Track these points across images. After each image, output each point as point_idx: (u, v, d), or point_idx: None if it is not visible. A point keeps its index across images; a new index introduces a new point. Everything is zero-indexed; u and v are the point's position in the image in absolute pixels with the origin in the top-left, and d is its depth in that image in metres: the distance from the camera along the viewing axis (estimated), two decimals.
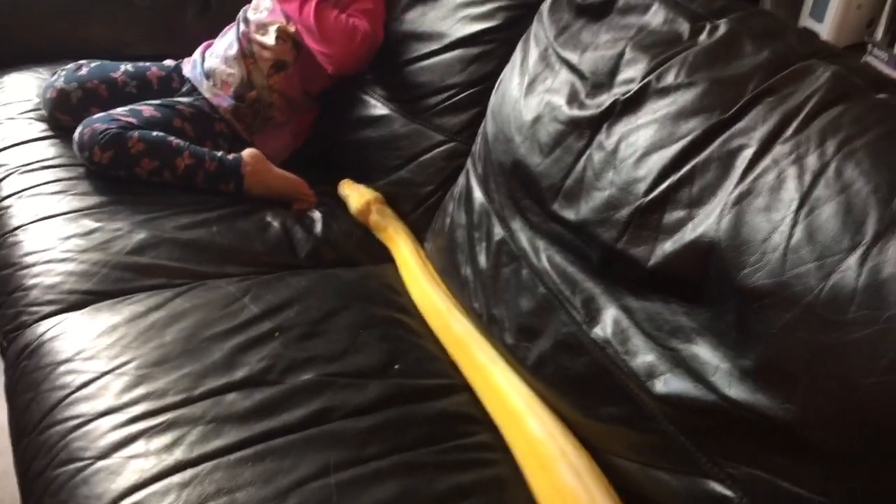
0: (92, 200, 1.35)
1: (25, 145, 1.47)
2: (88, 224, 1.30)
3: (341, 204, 1.51)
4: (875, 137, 0.83)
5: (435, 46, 1.38)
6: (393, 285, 1.34)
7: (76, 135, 1.39)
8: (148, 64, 1.61)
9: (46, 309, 1.18)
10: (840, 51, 0.99)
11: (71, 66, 1.54)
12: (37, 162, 1.43)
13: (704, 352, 0.89)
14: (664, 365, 0.93)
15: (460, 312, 1.25)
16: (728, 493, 0.85)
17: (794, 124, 0.89)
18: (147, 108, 1.45)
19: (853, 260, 0.77)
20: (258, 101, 1.53)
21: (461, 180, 1.34)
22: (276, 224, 1.40)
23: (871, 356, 0.73)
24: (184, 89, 1.57)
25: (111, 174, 1.39)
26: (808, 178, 0.84)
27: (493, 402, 1.12)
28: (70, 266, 1.23)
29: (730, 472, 0.85)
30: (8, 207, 1.35)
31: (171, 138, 1.41)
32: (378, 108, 1.47)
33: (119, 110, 1.43)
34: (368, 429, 1.04)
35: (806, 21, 3.23)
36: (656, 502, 0.93)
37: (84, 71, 1.52)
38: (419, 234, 1.41)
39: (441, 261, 1.33)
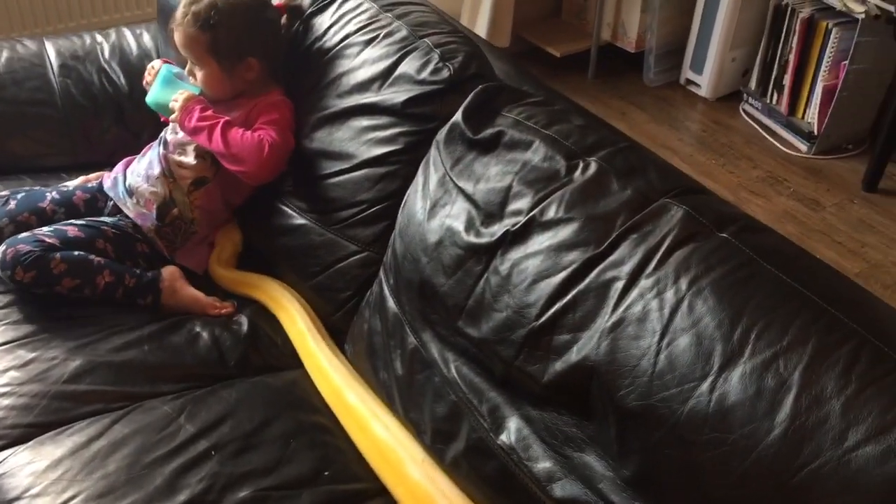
0: (25, 329, 1.43)
1: None
2: (24, 354, 1.37)
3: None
4: (718, 276, 0.99)
5: (345, 165, 1.50)
6: (317, 389, 1.45)
7: (0, 254, 1.46)
8: (72, 187, 1.69)
9: None
10: (691, 185, 1.16)
11: None
12: None
13: (593, 461, 1.03)
14: (560, 471, 1.07)
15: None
16: None
17: (654, 261, 1.04)
18: (71, 228, 1.54)
19: (705, 387, 0.93)
20: (180, 219, 1.62)
21: (375, 288, 1.46)
22: (204, 334, 1.49)
23: (721, 473, 0.89)
24: (108, 208, 1.65)
25: (32, 291, 1.47)
26: (667, 311, 1.00)
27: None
28: (10, 400, 1.31)
29: None
30: None
31: (92, 257, 1.50)
32: (296, 218, 1.58)
33: (44, 230, 1.52)
34: None
35: (687, 73, 3.50)
36: None
37: (12, 205, 1.60)
38: (340, 336, 1.52)
39: (361, 363, 1.45)
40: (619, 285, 1.06)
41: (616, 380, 1.01)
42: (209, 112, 1.57)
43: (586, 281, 1.09)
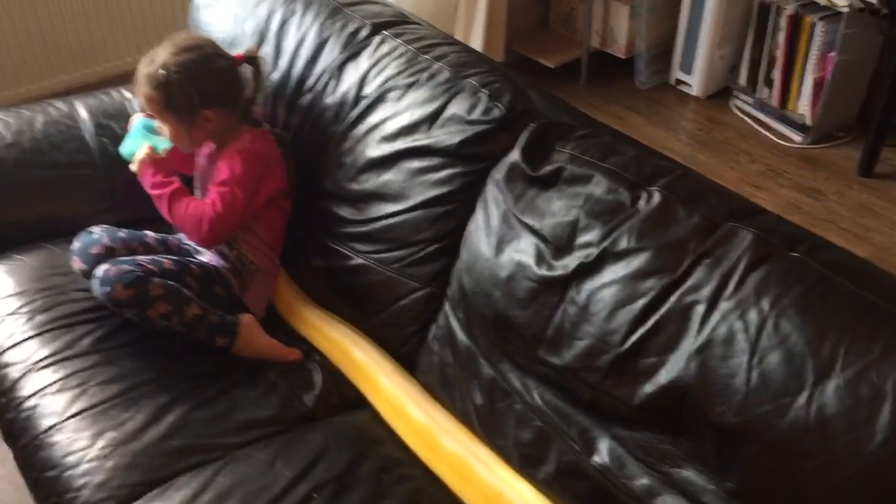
0: (113, 389, 1.47)
1: (33, 340, 1.57)
2: (118, 415, 1.43)
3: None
4: (798, 295, 1.07)
5: (400, 206, 1.56)
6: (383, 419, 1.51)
7: (100, 271, 1.54)
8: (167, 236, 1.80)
9: None
10: (749, 206, 1.24)
11: (103, 228, 1.71)
12: (51, 356, 1.53)
13: (693, 476, 1.11)
14: (660, 487, 1.14)
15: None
16: None
17: (732, 284, 1.12)
18: (167, 261, 1.63)
19: (802, 401, 1.01)
20: (240, 260, 1.71)
21: (441, 321, 1.52)
22: (281, 381, 1.55)
23: (823, 481, 0.97)
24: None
25: (120, 312, 1.54)
26: (752, 331, 1.08)
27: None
28: (114, 461, 1.36)
29: None
30: (35, 407, 1.46)
31: (183, 289, 1.58)
32: (354, 259, 1.64)
33: (143, 258, 1.60)
34: None
35: (677, 73, 3.59)
36: None
37: (123, 233, 1.71)
38: (409, 368, 1.58)
39: (436, 394, 1.51)
40: (701, 309, 1.13)
41: (710, 398, 1.08)
42: (158, 178, 1.64)
43: (666, 306, 1.17)
